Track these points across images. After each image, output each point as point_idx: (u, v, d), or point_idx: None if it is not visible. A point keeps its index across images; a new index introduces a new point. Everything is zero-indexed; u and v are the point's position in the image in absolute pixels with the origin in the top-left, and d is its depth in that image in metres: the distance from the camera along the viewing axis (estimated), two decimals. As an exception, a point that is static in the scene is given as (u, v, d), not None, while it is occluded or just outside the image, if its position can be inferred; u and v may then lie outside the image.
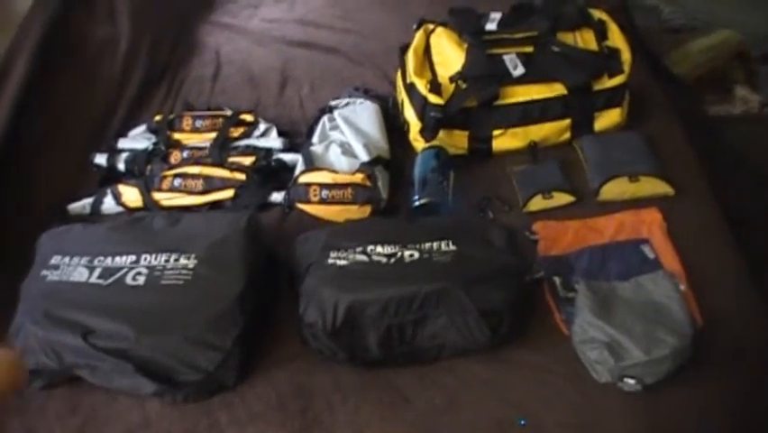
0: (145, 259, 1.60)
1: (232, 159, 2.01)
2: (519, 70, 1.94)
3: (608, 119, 2.00)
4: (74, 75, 2.28)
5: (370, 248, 1.57)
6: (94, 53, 2.37)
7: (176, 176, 1.95)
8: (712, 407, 1.45)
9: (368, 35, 2.54)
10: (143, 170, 2.04)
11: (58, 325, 1.50)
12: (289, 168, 1.97)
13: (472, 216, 1.84)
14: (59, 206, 1.98)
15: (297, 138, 2.11)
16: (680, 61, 2.76)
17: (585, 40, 2.03)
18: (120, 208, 1.96)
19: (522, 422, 1.41)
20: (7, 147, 1.95)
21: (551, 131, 1.98)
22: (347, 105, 2.12)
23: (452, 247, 1.57)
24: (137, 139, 2.17)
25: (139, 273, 1.58)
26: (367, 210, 1.83)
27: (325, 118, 2.08)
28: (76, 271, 1.60)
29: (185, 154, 2.05)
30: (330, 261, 1.56)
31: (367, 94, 2.17)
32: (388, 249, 1.57)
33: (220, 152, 2.03)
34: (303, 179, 1.86)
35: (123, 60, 2.39)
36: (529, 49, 1.98)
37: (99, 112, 2.27)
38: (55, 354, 1.49)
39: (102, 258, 1.62)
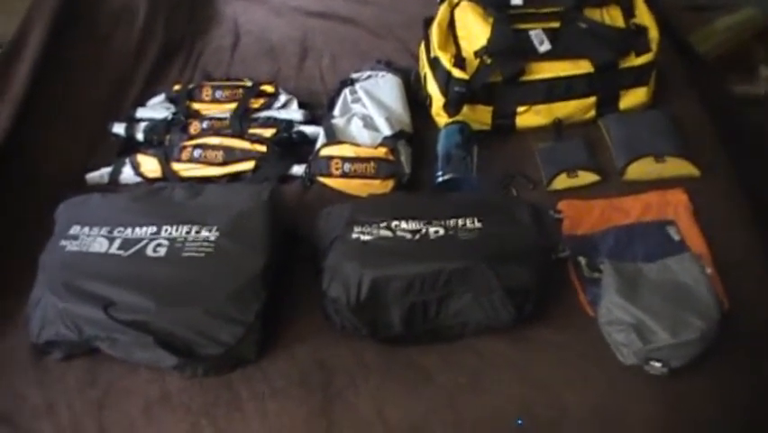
0: (166, 230, 1.59)
1: (252, 130, 1.99)
2: (545, 46, 1.91)
3: (633, 98, 1.98)
4: (90, 44, 2.27)
5: (394, 224, 1.56)
6: (110, 23, 2.34)
7: (196, 147, 1.93)
8: (736, 391, 1.44)
9: (385, 6, 2.51)
10: (162, 140, 2.02)
11: (78, 297, 1.48)
12: (310, 140, 1.95)
13: (496, 192, 1.82)
14: (72, 178, 1.96)
15: (317, 110, 2.09)
16: (703, 39, 2.73)
17: (612, 16, 1.99)
18: (138, 179, 1.94)
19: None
20: (24, 116, 1.92)
21: (576, 108, 1.95)
22: (369, 77, 2.09)
23: (477, 224, 1.55)
24: (156, 108, 2.15)
25: (159, 245, 1.56)
26: (390, 185, 1.81)
27: (347, 91, 2.05)
28: (95, 241, 1.58)
29: (204, 125, 2.03)
30: (354, 236, 1.55)
31: (389, 67, 2.14)
32: (413, 225, 1.55)
33: (240, 123, 2.01)
34: (325, 152, 1.84)
35: (141, 30, 2.37)
36: (555, 24, 1.95)
37: (116, 81, 2.25)
38: (75, 326, 1.48)
39: (122, 229, 1.60)
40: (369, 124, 1.93)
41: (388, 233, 1.55)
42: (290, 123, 2.02)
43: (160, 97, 2.19)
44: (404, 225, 1.56)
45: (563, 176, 1.82)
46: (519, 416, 1.40)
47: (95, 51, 2.27)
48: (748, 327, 1.50)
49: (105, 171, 1.96)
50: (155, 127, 2.06)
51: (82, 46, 2.24)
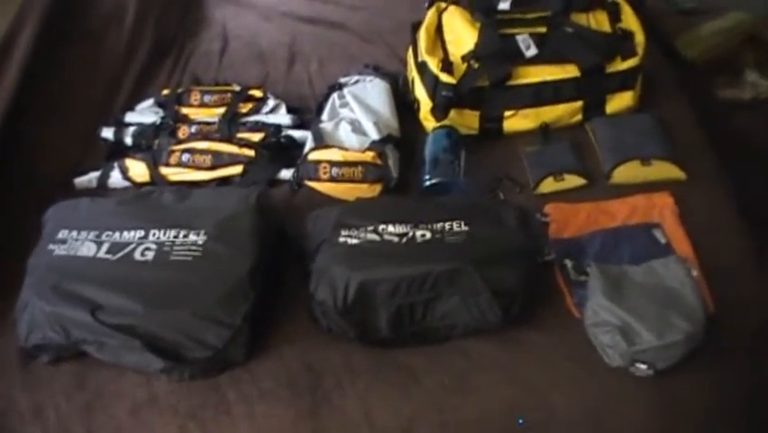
0: (154, 234, 1.59)
1: (240, 135, 2.00)
2: (532, 51, 1.92)
3: (620, 102, 1.99)
4: (80, 46, 2.27)
5: (381, 227, 1.57)
6: (100, 25, 2.34)
7: (184, 151, 1.93)
8: (724, 392, 1.44)
9: (376, 11, 2.52)
10: (151, 144, 2.03)
11: (65, 300, 1.49)
12: (299, 144, 1.96)
13: (483, 196, 1.82)
14: (64, 179, 1.96)
15: (306, 115, 2.10)
16: (690, 44, 2.74)
17: (598, 21, 2.00)
18: (127, 183, 1.94)
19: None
20: (13, 118, 1.92)
21: (563, 112, 1.96)
22: (357, 82, 2.10)
23: (464, 227, 1.56)
24: (144, 113, 2.15)
25: (147, 249, 1.56)
26: (377, 189, 1.82)
27: (335, 95, 2.06)
28: (83, 245, 1.59)
29: (193, 129, 2.03)
30: (341, 239, 1.56)
31: (377, 71, 2.15)
32: (400, 228, 1.56)
33: (229, 127, 2.02)
34: (313, 156, 1.84)
35: (130, 33, 2.37)
36: (542, 29, 1.96)
37: (105, 84, 2.25)
38: (62, 330, 1.48)
39: (110, 233, 1.60)
40: (357, 128, 1.94)
41: (375, 236, 1.56)
42: (279, 127, 2.02)
43: (149, 102, 2.19)
44: (391, 228, 1.57)
45: (550, 179, 1.83)
46: (507, 417, 1.41)
47: (88, 51, 2.27)
48: (734, 329, 1.50)
49: (93, 176, 1.96)
50: (144, 132, 2.06)
51: (76, 45, 2.24)
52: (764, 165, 2.41)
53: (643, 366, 1.41)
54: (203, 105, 2.12)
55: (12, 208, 1.83)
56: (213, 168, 1.91)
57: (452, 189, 1.81)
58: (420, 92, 1.98)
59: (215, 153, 1.92)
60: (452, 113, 1.94)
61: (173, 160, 1.93)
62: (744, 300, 1.57)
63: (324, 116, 2.01)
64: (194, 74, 2.33)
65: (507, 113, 1.96)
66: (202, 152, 1.93)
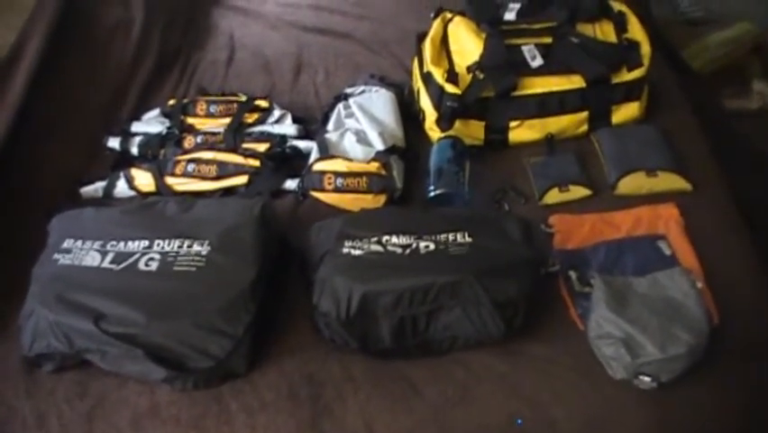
0: (158, 245, 1.59)
1: (246, 145, 2.00)
2: (537, 61, 1.92)
3: (625, 113, 1.99)
4: (87, 57, 2.27)
5: (385, 238, 1.56)
6: (107, 36, 2.35)
7: (189, 161, 1.93)
8: (727, 404, 1.44)
9: (382, 22, 2.53)
10: (157, 154, 2.03)
11: (69, 309, 1.49)
12: (304, 155, 1.96)
13: (488, 207, 1.82)
14: (70, 188, 1.97)
15: (311, 125, 2.10)
16: (697, 54, 2.74)
17: (604, 32, 2.00)
18: (132, 192, 1.95)
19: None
20: (20, 128, 1.93)
21: (568, 123, 1.96)
22: (362, 92, 2.10)
23: (467, 239, 1.56)
24: (150, 123, 2.15)
25: (152, 259, 1.57)
26: (381, 199, 1.82)
27: (340, 106, 2.06)
28: (88, 255, 1.59)
29: (198, 139, 2.04)
30: (344, 250, 1.55)
31: (383, 81, 2.15)
32: (404, 240, 1.56)
33: (234, 137, 2.02)
34: (317, 166, 1.84)
35: (136, 43, 2.38)
36: (548, 40, 1.96)
37: (112, 95, 2.26)
38: (65, 338, 1.49)
39: (114, 243, 1.61)
40: (362, 138, 1.93)
41: (378, 247, 1.56)
42: (284, 137, 2.02)
43: (155, 112, 2.19)
44: (395, 239, 1.57)
45: (555, 190, 1.83)
46: (508, 429, 1.41)
47: (92, 63, 2.28)
48: (738, 341, 1.50)
49: (99, 185, 1.96)
50: (150, 141, 2.07)
51: (80, 57, 2.25)
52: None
53: (647, 379, 1.41)
54: (209, 115, 2.12)
55: (16, 215, 1.84)
56: (218, 178, 1.92)
57: (456, 200, 1.81)
58: (425, 102, 1.98)
59: (221, 163, 1.92)
60: (458, 123, 1.94)
61: (178, 170, 1.93)
62: (748, 312, 1.56)
63: (330, 127, 2.01)
64: (200, 84, 2.34)
65: (513, 123, 1.95)
66: (207, 162, 1.93)
